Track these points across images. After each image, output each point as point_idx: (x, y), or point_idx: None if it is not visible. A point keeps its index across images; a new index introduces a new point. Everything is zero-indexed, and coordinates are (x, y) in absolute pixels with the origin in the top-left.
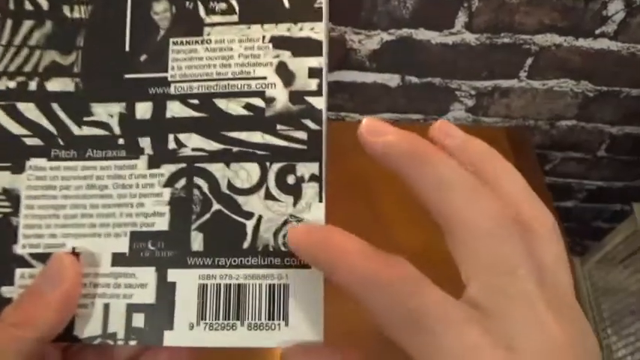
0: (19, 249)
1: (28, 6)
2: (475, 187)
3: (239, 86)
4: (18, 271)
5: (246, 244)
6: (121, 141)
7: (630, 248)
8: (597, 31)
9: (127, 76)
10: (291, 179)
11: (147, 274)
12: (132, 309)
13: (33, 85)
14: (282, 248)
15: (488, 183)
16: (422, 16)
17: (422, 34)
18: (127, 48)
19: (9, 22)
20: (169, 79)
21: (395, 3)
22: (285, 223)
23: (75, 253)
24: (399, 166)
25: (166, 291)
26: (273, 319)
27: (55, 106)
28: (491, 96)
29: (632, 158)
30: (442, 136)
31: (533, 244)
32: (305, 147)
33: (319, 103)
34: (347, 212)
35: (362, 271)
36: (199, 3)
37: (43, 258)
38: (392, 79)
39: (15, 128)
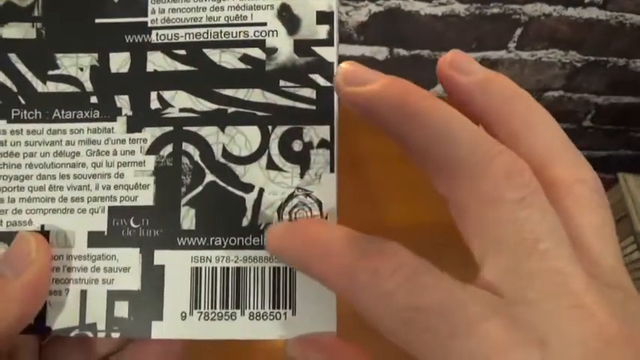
0: None
1: None
2: (486, 142)
3: (234, 34)
4: None
5: (245, 222)
6: (93, 99)
7: (615, 216)
8: (587, 0)
9: (99, 20)
10: (297, 145)
11: (130, 256)
12: (113, 296)
13: None
14: None
15: (515, 133)
16: None
17: (411, 5)
18: None
19: None
20: (149, 24)
21: None
22: (291, 197)
23: (44, 232)
24: (387, 122)
25: (153, 276)
26: (278, 308)
27: (12, 57)
28: None
29: (617, 128)
30: (455, 73)
31: (567, 209)
32: (313, 107)
33: (330, 54)
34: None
35: (347, 271)
36: None
37: (5, 237)
38: (380, 52)
39: None
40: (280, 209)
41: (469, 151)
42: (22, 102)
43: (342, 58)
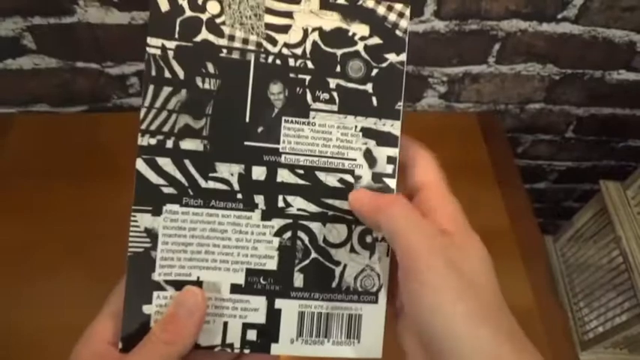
0: (156, 276)
1: (167, 74)
2: None
3: (335, 164)
4: (155, 294)
5: (334, 284)
6: (239, 196)
7: (599, 224)
8: (559, 16)
9: (247, 143)
10: (369, 239)
11: (259, 302)
12: (246, 326)
13: (169, 144)
14: (360, 289)
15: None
16: None
17: None
18: (248, 119)
19: (151, 87)
20: (280, 150)
21: None
22: (362, 270)
23: (199, 282)
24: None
25: (274, 315)
26: (350, 338)
27: (186, 162)
28: (462, 82)
29: (599, 138)
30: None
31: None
32: None
33: (392, 183)
34: None
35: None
36: (307, 90)
37: (174, 284)
38: None
39: (154, 178)
40: (356, 277)
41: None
42: (191, 193)
43: None
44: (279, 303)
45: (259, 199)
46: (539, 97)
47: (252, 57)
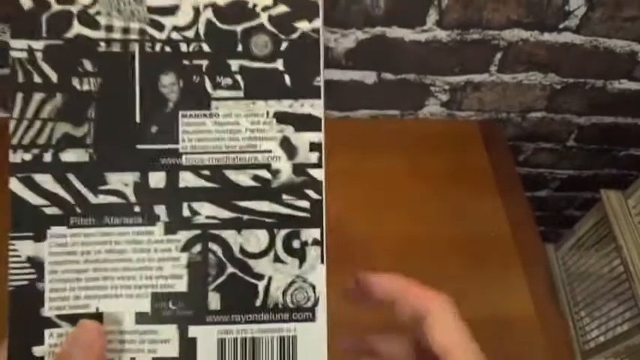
0: (46, 311)
1: (37, 79)
2: None
3: (247, 159)
4: (47, 332)
5: (258, 302)
6: (136, 208)
7: (600, 233)
8: (561, 26)
9: (140, 146)
10: (296, 243)
11: (169, 331)
12: None
13: (48, 157)
14: (290, 305)
15: None
16: (394, 14)
17: (395, 32)
18: (138, 119)
19: (19, 96)
20: (180, 150)
21: (368, 2)
22: (292, 283)
23: (98, 314)
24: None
25: (188, 345)
26: None
27: (70, 176)
28: (464, 90)
29: (600, 147)
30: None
31: None
32: (308, 215)
33: (319, 174)
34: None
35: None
36: (206, 78)
37: (69, 318)
38: (368, 77)
39: (33, 199)
40: (284, 292)
41: None
42: (79, 211)
43: (332, 83)
44: (193, 331)
45: (160, 210)
46: (541, 105)
47: (135, 47)
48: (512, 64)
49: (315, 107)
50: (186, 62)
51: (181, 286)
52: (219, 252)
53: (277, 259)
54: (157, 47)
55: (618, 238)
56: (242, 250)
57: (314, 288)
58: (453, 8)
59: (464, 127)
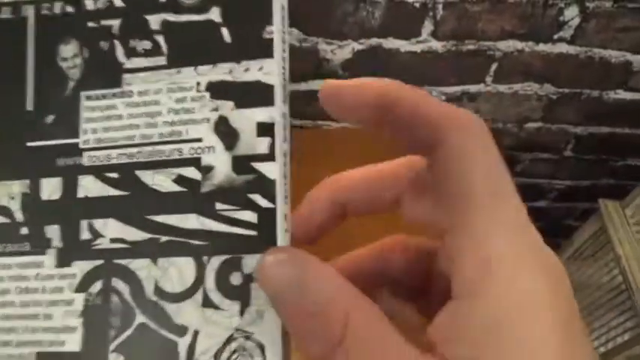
0: None
1: None
2: None
3: (167, 152)
4: None
5: None
6: (24, 230)
7: (598, 244)
8: (555, 37)
9: (30, 144)
10: (235, 278)
11: None
12: None
13: None
14: None
15: None
16: (390, 25)
17: (391, 43)
18: (29, 107)
19: None
20: (81, 145)
21: (364, 14)
22: (230, 340)
23: None
24: None
25: None
26: None
27: None
28: (460, 100)
29: (597, 157)
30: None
31: None
32: (255, 232)
33: (272, 171)
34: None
35: None
36: (117, 43)
37: None
38: None
39: None
40: (217, 355)
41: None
42: None
43: None
44: None
45: (52, 232)
46: (537, 116)
47: (30, 11)
48: (507, 75)
49: (265, 71)
50: (92, 25)
51: (73, 343)
52: (126, 292)
53: (207, 302)
54: (57, 8)
55: (616, 248)
56: (157, 290)
57: (262, 348)
58: (448, 19)
59: None
